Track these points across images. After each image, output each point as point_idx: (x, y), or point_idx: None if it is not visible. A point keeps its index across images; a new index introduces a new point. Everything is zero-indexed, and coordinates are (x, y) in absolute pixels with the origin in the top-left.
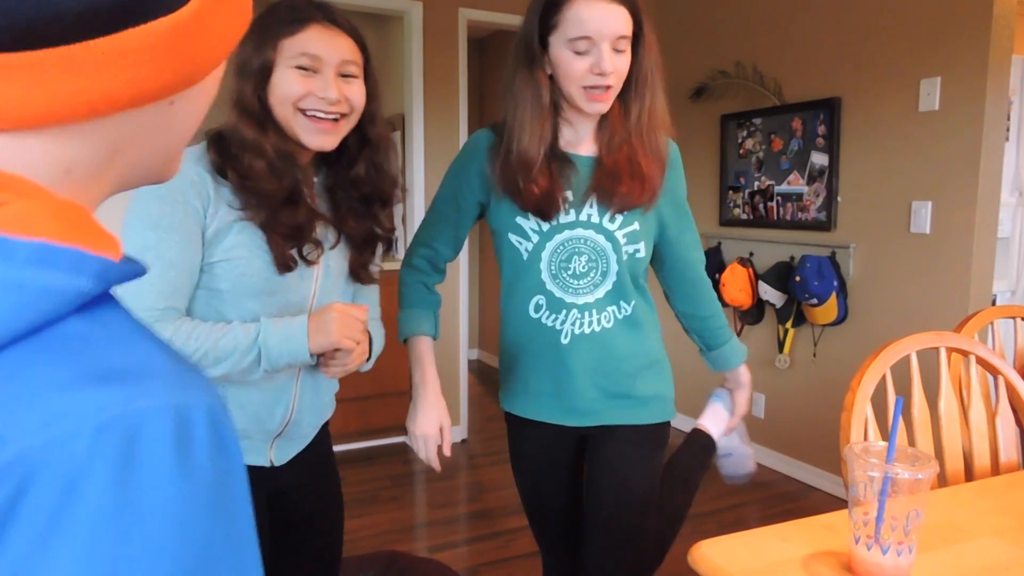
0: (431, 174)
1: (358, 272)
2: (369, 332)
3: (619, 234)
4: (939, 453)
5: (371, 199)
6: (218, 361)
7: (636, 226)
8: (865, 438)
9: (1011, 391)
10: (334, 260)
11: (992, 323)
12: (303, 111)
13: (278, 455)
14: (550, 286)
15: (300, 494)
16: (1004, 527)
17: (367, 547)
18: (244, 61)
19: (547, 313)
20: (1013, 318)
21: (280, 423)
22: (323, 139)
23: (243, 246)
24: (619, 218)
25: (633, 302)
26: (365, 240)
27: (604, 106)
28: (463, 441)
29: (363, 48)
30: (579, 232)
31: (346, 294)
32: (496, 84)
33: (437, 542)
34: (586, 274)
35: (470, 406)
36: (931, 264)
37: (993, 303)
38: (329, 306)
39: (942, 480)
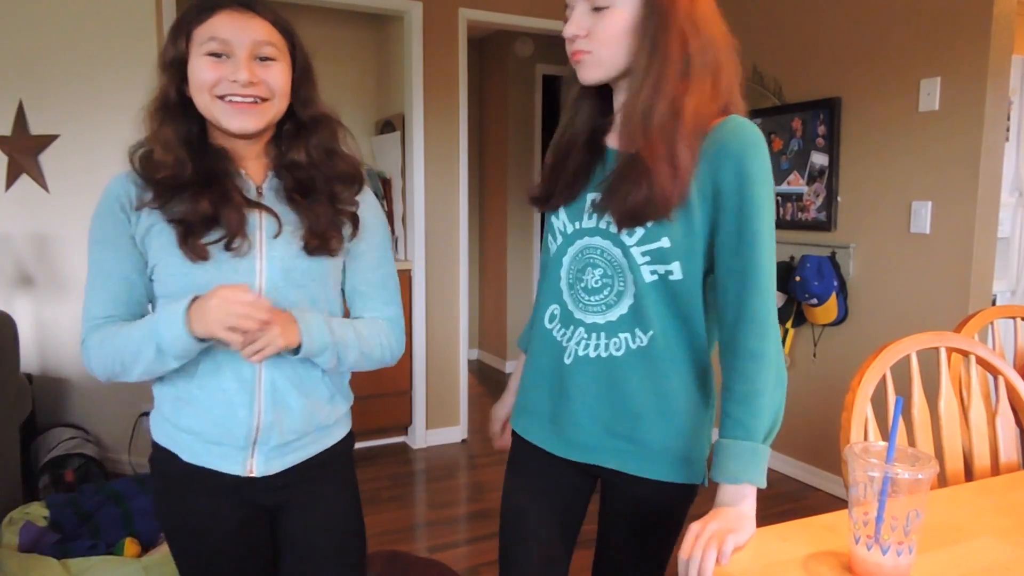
0: (431, 174)
1: (312, 248)
2: (314, 320)
3: (636, 251)
4: (939, 453)
5: (326, 182)
6: (136, 358)
7: (665, 242)
8: (865, 438)
9: (1011, 391)
10: (281, 251)
11: (992, 323)
12: (220, 97)
13: (260, 465)
14: (565, 296)
15: (304, 516)
16: (1004, 527)
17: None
18: (161, 57)
19: (558, 325)
20: (1013, 318)
21: (249, 427)
22: (242, 121)
23: (162, 248)
24: (639, 231)
25: (652, 333)
26: (329, 223)
27: (583, 70)
28: (463, 441)
29: (287, 33)
30: (597, 241)
31: (309, 287)
32: (496, 84)
33: (437, 542)
34: (599, 290)
35: (470, 406)
36: (931, 264)
37: (993, 303)
38: (215, 289)
39: (942, 480)
